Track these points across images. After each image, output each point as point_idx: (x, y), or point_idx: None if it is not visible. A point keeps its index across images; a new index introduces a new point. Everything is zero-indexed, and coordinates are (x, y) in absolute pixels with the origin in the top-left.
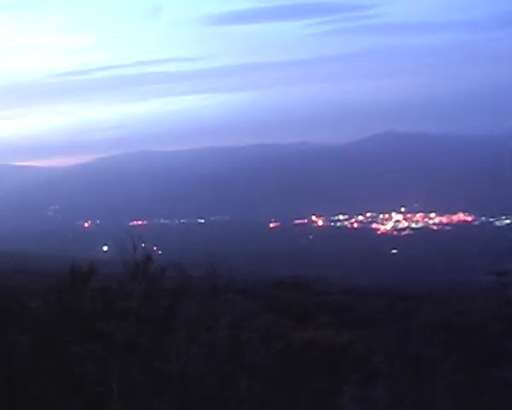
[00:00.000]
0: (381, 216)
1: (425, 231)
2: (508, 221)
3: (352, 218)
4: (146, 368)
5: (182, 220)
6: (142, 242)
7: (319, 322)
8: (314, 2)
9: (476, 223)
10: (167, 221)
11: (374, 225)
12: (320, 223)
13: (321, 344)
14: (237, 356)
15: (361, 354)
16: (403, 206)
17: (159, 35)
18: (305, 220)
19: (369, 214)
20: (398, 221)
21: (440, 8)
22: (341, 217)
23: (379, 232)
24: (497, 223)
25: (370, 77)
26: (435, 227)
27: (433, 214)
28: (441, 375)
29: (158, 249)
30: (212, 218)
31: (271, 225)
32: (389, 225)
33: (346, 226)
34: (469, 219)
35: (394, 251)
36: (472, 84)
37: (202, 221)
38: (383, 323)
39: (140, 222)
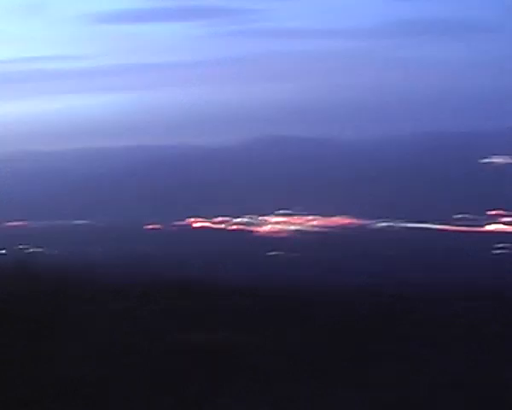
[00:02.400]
0: (264, 218)
1: (307, 233)
2: (385, 224)
3: (235, 219)
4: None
5: (64, 222)
6: (19, 243)
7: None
8: (201, 4)
9: (356, 225)
10: (47, 223)
11: (256, 228)
12: (203, 225)
13: (209, 346)
14: (118, 358)
15: (250, 356)
16: (284, 208)
17: (41, 32)
18: (185, 222)
19: (251, 216)
20: (280, 223)
21: (329, 15)
22: (225, 218)
23: (260, 234)
24: (376, 226)
25: (255, 80)
26: (317, 229)
27: (315, 217)
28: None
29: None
30: (91, 220)
31: (149, 226)
32: (271, 227)
33: (228, 228)
34: (350, 221)
35: (274, 253)
36: (357, 90)
37: (86, 222)
38: (272, 324)
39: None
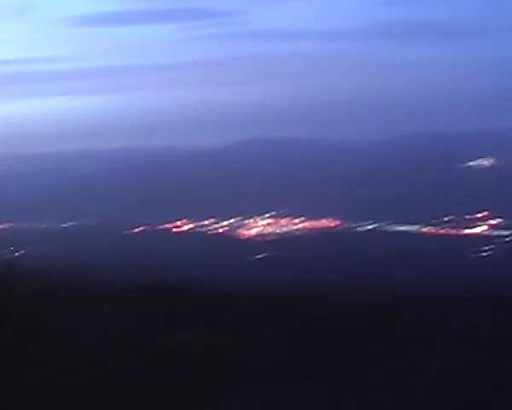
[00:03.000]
0: (248, 221)
1: (291, 236)
2: (370, 226)
3: (221, 222)
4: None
5: (45, 225)
6: (4, 246)
7: (186, 327)
8: (186, 6)
9: (342, 228)
10: (32, 225)
11: (241, 230)
12: (186, 228)
13: (189, 349)
14: (105, 361)
15: (231, 358)
16: (271, 211)
17: (26, 34)
18: (173, 225)
19: (235, 219)
20: (266, 226)
21: (312, 16)
22: (210, 221)
23: (246, 237)
24: (362, 228)
25: (240, 83)
26: (301, 232)
27: (298, 220)
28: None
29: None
30: (77, 222)
31: (137, 229)
32: (257, 230)
33: (213, 231)
34: (336, 223)
35: (260, 256)
36: (343, 92)
37: (67, 225)
38: (253, 326)
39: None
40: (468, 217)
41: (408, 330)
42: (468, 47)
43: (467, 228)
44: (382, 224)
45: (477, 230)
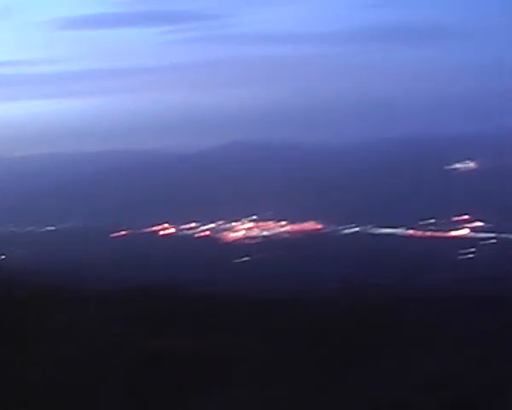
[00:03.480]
0: (232, 224)
1: (275, 239)
2: (355, 229)
3: (204, 226)
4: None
5: (30, 228)
6: None
7: (173, 330)
8: (169, 9)
9: (326, 231)
10: (16, 228)
11: (224, 234)
12: (170, 231)
13: (175, 352)
14: (90, 364)
15: (216, 361)
16: (254, 214)
17: (7, 36)
18: (156, 228)
19: (219, 222)
20: (248, 229)
21: (297, 19)
22: (193, 225)
23: (230, 240)
24: (345, 231)
25: (222, 86)
26: (286, 235)
27: (283, 222)
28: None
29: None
30: (63, 225)
31: (122, 232)
32: (240, 233)
33: (197, 235)
34: (319, 226)
35: (245, 259)
36: (322, 95)
37: (52, 228)
38: (238, 330)
39: None
40: (452, 219)
41: (393, 331)
42: (450, 50)
43: (451, 230)
44: (366, 226)
45: (461, 232)
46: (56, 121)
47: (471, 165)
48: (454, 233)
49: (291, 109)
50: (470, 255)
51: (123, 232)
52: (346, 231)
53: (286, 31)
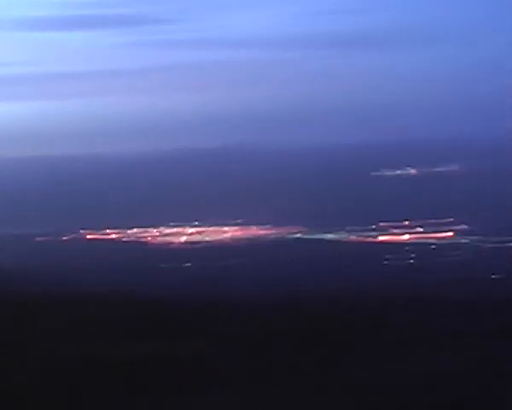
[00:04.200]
0: (174, 229)
1: (219, 244)
2: (298, 235)
3: (147, 231)
4: None
5: None
6: None
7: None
8: (119, 13)
9: (269, 236)
10: None
11: (167, 239)
12: (113, 236)
13: (118, 359)
14: (26, 369)
15: (161, 367)
16: (197, 219)
17: None
18: (77, 234)
19: (162, 228)
20: (191, 234)
21: (255, 25)
22: (134, 230)
23: (172, 246)
24: (288, 236)
25: (172, 91)
26: (230, 241)
27: (227, 228)
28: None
29: None
30: None
31: (40, 238)
32: (183, 239)
33: (139, 240)
34: (262, 232)
35: (188, 264)
36: (266, 101)
37: None
38: (184, 335)
39: None
40: (374, 226)
41: (337, 335)
42: (405, 57)
43: (373, 237)
44: (310, 232)
45: (382, 238)
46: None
47: (396, 172)
48: (382, 238)
49: (242, 114)
50: (393, 262)
51: (67, 237)
52: (290, 237)
53: (243, 36)
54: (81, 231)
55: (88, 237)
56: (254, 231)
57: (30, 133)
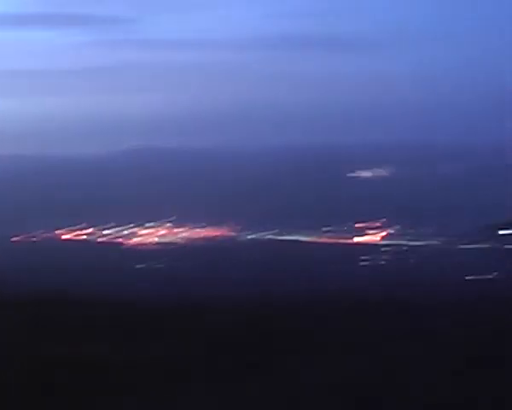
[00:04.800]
0: (132, 230)
1: (177, 245)
2: (261, 235)
3: (100, 231)
4: None
5: None
6: None
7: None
8: (76, 12)
9: (231, 236)
10: None
11: (122, 239)
12: (65, 237)
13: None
14: None
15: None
16: (155, 220)
17: None
18: (50, 234)
19: (118, 228)
20: (149, 235)
21: (206, 26)
22: (89, 230)
23: (128, 247)
24: (250, 237)
25: (126, 91)
26: (189, 241)
27: (186, 228)
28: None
29: None
30: None
31: (15, 239)
32: (140, 239)
33: (92, 241)
34: (224, 232)
35: (141, 266)
36: (229, 102)
37: None
38: (139, 336)
39: None
40: (355, 226)
41: (296, 336)
42: (359, 60)
43: (349, 238)
44: (272, 232)
45: (358, 239)
46: None
47: (371, 173)
48: (357, 239)
49: (195, 115)
50: (369, 262)
51: (18, 238)
52: (251, 237)
53: (193, 37)
54: (56, 232)
55: (63, 236)
56: (216, 232)
57: None
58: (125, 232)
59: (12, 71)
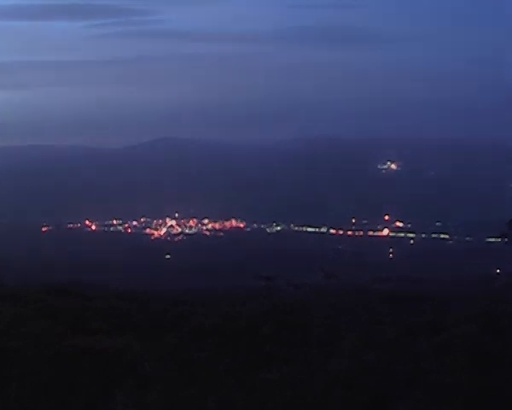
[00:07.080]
0: (155, 221)
1: (198, 236)
2: (278, 228)
3: (127, 223)
4: None
5: None
6: None
7: (92, 328)
8: (94, 3)
9: (248, 229)
10: None
11: (148, 231)
12: (93, 228)
13: (93, 351)
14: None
15: (134, 360)
16: (177, 211)
17: None
18: (78, 225)
19: (143, 220)
20: (171, 227)
21: (223, 19)
22: (115, 222)
23: (153, 238)
24: (268, 230)
25: (147, 82)
26: (208, 233)
27: (206, 220)
28: (213, 378)
29: None
30: None
31: (43, 228)
32: (163, 231)
33: (120, 231)
34: (242, 225)
35: (168, 256)
36: (248, 95)
37: None
38: (157, 328)
39: None
40: (373, 219)
41: (309, 330)
42: (378, 52)
43: (372, 230)
44: (289, 225)
45: (383, 232)
46: None
47: (392, 166)
48: (375, 233)
49: (213, 108)
50: (390, 255)
51: (46, 228)
52: (269, 230)
53: (210, 29)
54: (73, 223)
55: (88, 227)
56: (233, 224)
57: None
58: (152, 224)
59: (37, 62)
